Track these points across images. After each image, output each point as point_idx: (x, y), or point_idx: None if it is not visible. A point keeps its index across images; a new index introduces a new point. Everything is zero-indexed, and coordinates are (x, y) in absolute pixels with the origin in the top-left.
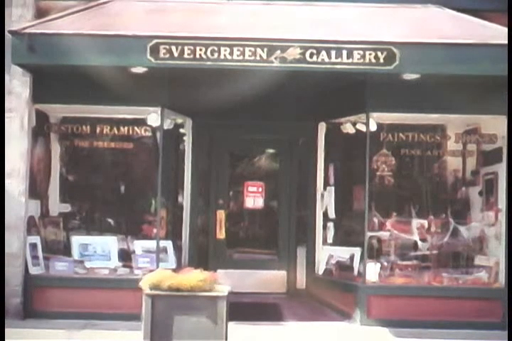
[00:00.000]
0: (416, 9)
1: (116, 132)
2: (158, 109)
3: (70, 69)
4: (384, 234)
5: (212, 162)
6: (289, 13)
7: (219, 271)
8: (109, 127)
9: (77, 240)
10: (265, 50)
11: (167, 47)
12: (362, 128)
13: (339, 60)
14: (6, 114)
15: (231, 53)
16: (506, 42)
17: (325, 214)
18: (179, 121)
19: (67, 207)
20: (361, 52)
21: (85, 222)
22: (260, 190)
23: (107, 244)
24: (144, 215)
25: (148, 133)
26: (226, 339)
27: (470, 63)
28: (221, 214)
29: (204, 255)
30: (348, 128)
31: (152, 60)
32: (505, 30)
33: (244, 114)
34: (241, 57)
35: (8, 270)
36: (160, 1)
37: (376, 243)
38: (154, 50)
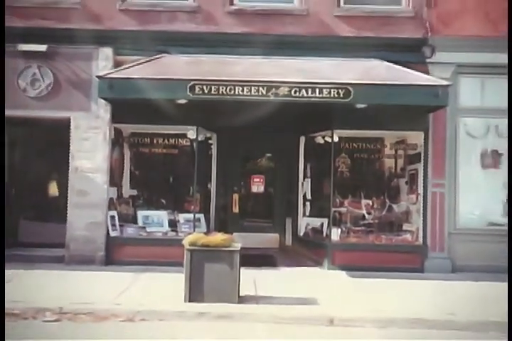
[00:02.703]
0: (364, 62)
1: (166, 142)
2: (194, 127)
3: (136, 101)
4: (343, 210)
5: (229, 162)
6: (280, 64)
7: (234, 233)
8: (162, 139)
9: (140, 213)
10: (265, 88)
11: (200, 86)
12: (328, 140)
13: (314, 95)
14: (94, 130)
15: (242, 90)
16: (425, 83)
17: (304, 197)
18: (208, 135)
19: (134, 192)
20: (328, 90)
21: (146, 201)
22: (261, 180)
23: (161, 216)
24: (185, 197)
25: (188, 143)
26: (239, 279)
27: (399, 97)
28: (235, 197)
29: (224, 223)
30: (320, 140)
31: (190, 95)
32: (424, 75)
33: (251, 130)
34: (249, 93)
35: (95, 233)
36: (195, 56)
37: (338, 215)
38: (192, 89)
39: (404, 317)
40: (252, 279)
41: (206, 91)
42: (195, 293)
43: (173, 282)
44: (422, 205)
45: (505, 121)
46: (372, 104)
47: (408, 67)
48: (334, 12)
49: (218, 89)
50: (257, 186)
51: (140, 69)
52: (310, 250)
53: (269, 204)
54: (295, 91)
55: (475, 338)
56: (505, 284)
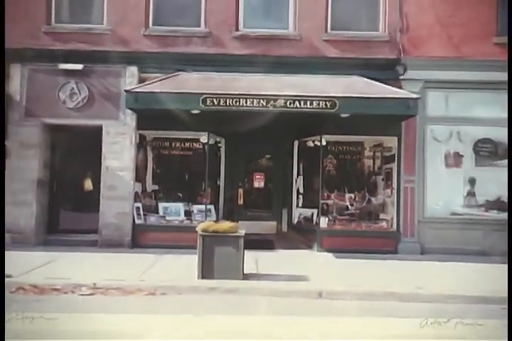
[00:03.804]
0: (347, 78)
1: (183, 145)
2: (206, 133)
3: (157, 111)
4: (330, 202)
5: (235, 162)
6: (277, 80)
7: (239, 222)
8: (179, 143)
9: (161, 205)
10: (265, 100)
11: (211, 99)
12: (317, 143)
13: (305, 106)
14: (122, 136)
15: (246, 102)
16: (398, 96)
17: (297, 191)
18: (217, 139)
19: (156, 187)
20: (317, 101)
21: (166, 195)
22: (262, 177)
23: (178, 207)
24: (198, 191)
25: (201, 146)
26: (243, 259)
27: (377, 108)
28: (240, 191)
29: (231, 213)
30: (310, 144)
31: (203, 106)
32: (397, 89)
33: (253, 135)
34: (251, 105)
35: (123, 221)
36: (206, 73)
37: (325, 206)
38: (204, 101)
39: (380, 290)
40: (254, 259)
41: (216, 103)
42: (206, 271)
43: (188, 262)
44: (395, 198)
45: (465, 127)
46: (354, 113)
47: (384, 83)
48: (322, 37)
49: (226, 101)
50: (258, 182)
51: (160, 85)
52: (302, 235)
53: (268, 197)
54: (289, 103)
55: (440, 309)
56: (467, 264)
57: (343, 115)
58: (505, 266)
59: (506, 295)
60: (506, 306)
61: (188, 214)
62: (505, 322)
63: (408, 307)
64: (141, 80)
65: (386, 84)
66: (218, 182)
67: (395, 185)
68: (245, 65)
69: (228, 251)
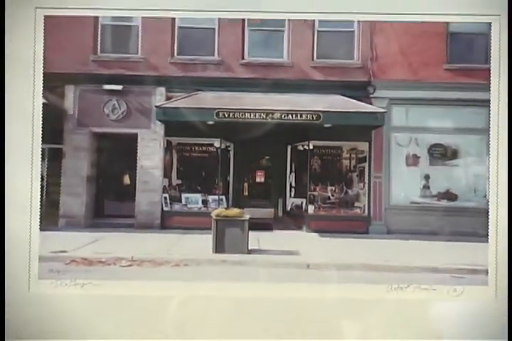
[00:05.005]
0: (329, 96)
1: (200, 149)
2: (219, 139)
3: (180, 122)
4: (315, 193)
5: (241, 162)
6: (274, 98)
7: (245, 209)
8: (197, 147)
9: (183, 195)
10: (264, 114)
11: (222, 113)
12: (306, 147)
13: (297, 118)
14: (153, 141)
15: (250, 115)
16: (369, 110)
17: (290, 185)
18: (227, 144)
19: (179, 181)
20: (306, 115)
21: (187, 188)
22: (262, 174)
23: (197, 197)
24: (213, 185)
25: (214, 150)
26: (248, 238)
27: (352, 120)
28: (245, 185)
29: (238, 202)
30: (300, 148)
31: (216, 118)
32: (368, 105)
33: (256, 141)
34: (254, 117)
35: (154, 208)
36: (219, 93)
37: (312, 197)
38: (217, 114)
39: (356, 262)
40: (256, 238)
41: (226, 116)
42: (219, 247)
43: (205, 240)
44: (367, 190)
45: (421, 135)
46: (335, 124)
47: (358, 100)
48: (310, 64)
49: (234, 115)
50: (260, 178)
51: (183, 102)
52: (294, 219)
53: (268, 189)
54: (284, 116)
55: (402, 277)
56: (422, 241)
57: (326, 125)
58: (453, 243)
59: (454, 266)
60: (455, 274)
61: (204, 202)
62: (455, 287)
63: (377, 275)
64: (168, 98)
65: (360, 101)
66: (228, 178)
67: (366, 180)
68: (249, 86)
69: (236, 232)
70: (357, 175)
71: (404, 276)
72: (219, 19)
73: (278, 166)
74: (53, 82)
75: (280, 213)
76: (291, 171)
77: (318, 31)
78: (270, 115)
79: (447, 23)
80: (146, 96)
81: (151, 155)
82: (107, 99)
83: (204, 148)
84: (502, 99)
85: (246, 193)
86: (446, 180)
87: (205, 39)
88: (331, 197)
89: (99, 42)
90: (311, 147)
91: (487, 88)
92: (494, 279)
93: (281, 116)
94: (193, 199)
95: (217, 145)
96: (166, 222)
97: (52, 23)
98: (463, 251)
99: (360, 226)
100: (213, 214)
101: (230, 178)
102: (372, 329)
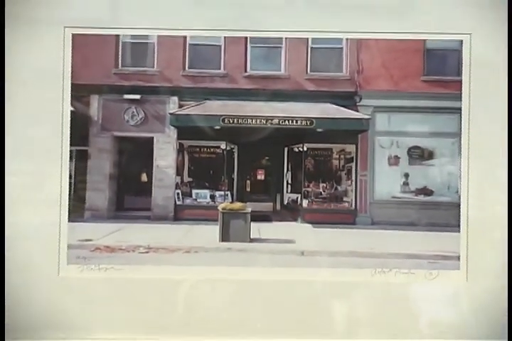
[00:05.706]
0: (321, 105)
1: (208, 151)
2: (224, 142)
3: (191, 127)
4: (309, 189)
5: (244, 162)
6: (273, 106)
7: (247, 203)
8: (206, 149)
9: (194, 191)
10: (264, 120)
11: (228, 119)
12: (301, 149)
13: (293, 123)
14: (167, 144)
15: (252, 121)
16: (356, 117)
17: (287, 182)
18: (232, 146)
19: (190, 179)
20: (301, 120)
21: (197, 184)
22: (263, 172)
23: (205, 193)
24: (219, 182)
25: (221, 151)
26: (250, 228)
27: (341, 125)
28: (248, 182)
29: (241, 197)
30: (296, 149)
31: (222, 124)
32: (355, 112)
33: (257, 144)
34: (255, 123)
35: (168, 203)
36: (224, 101)
37: (306, 192)
38: (223, 120)
39: (344, 250)
40: (257, 228)
41: (231, 121)
42: (225, 236)
43: (212, 230)
44: (354, 187)
45: (402, 138)
46: (326, 128)
47: (346, 108)
48: (304, 76)
49: (238, 120)
50: (260, 176)
51: (193, 109)
52: (290, 212)
53: (267, 186)
54: (281, 122)
55: (385, 262)
56: (402, 231)
57: (318, 130)
58: (429, 233)
59: (430, 253)
60: (431, 260)
61: (212, 197)
62: (431, 271)
63: (363, 261)
64: (180, 106)
65: (348, 109)
66: (233, 176)
67: (353, 178)
68: (251, 95)
69: (240, 223)
70: (345, 174)
71: (386, 262)
72: (224, 37)
73: (276, 165)
74: (80, 92)
75: (278, 207)
76: (287, 170)
77: (311, 48)
78: (269, 121)
79: (424, 40)
80: (161, 104)
81: (165, 156)
82: (127, 107)
83: (212, 150)
84: (472, 107)
85: (248, 189)
86: (423, 178)
87: (213, 55)
88: (323, 193)
89: (120, 57)
90: (305, 149)
91: (459, 97)
92: (465, 264)
93: (279, 121)
94: (202, 195)
95: (223, 148)
96: (178, 215)
97: (79, 41)
98: (438, 240)
99: (348, 218)
100: (220, 207)
101: (235, 176)
102: (359, 306)
